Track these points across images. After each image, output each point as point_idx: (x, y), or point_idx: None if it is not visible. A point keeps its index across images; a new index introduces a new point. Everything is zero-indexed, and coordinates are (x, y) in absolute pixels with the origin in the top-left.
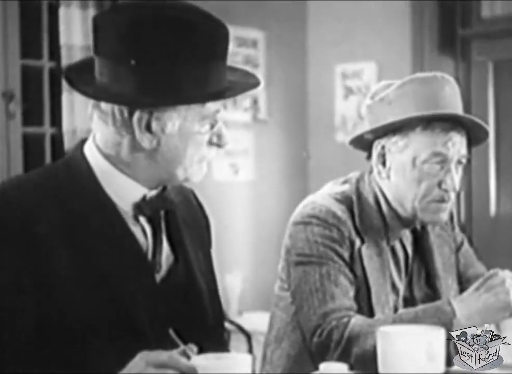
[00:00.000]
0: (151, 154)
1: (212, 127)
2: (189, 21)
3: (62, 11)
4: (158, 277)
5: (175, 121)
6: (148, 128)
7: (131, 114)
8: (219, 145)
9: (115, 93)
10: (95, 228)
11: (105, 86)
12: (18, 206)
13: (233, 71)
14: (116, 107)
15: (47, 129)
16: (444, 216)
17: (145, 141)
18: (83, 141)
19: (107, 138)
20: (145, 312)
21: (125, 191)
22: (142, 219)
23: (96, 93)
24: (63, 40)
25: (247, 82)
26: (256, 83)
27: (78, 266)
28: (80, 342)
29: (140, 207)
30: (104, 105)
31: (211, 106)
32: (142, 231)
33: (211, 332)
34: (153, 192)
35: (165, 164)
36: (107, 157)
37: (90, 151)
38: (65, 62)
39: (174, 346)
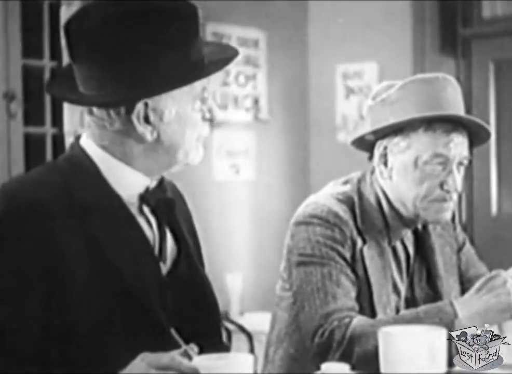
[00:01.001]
0: (152, 144)
1: (202, 103)
2: (157, 8)
3: (63, 11)
4: (164, 269)
5: (171, 107)
6: (147, 120)
7: (128, 112)
8: (211, 120)
9: (110, 96)
10: (105, 223)
11: (96, 91)
12: (33, 205)
13: (208, 45)
14: (112, 110)
15: (48, 129)
16: (447, 215)
17: (147, 133)
18: (77, 138)
19: (105, 139)
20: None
21: (129, 183)
22: (146, 210)
23: (95, 99)
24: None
25: (227, 55)
26: (235, 53)
27: (90, 262)
28: (95, 337)
29: (145, 198)
30: (97, 111)
31: (198, 84)
32: (146, 223)
33: (216, 325)
34: (154, 183)
35: (166, 151)
36: (108, 151)
37: (88, 146)
38: (66, 61)
39: (185, 339)
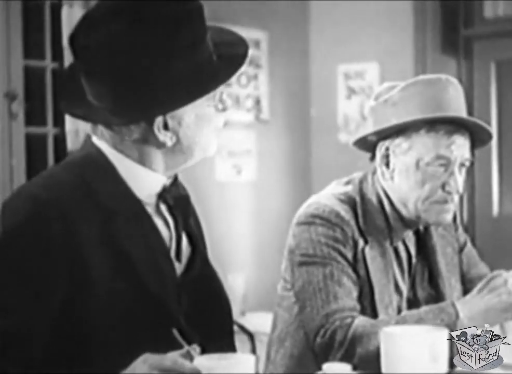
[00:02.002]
0: (170, 147)
1: (214, 97)
2: (166, 14)
3: (64, 11)
4: (179, 269)
5: (190, 112)
6: (166, 127)
7: (148, 124)
8: (224, 109)
9: (131, 114)
10: (124, 224)
11: (111, 104)
12: (56, 206)
13: (212, 31)
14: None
15: (50, 129)
16: (448, 217)
17: (167, 140)
18: (89, 136)
19: (121, 145)
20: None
21: (146, 183)
22: (163, 209)
23: (114, 119)
24: (65, 40)
25: (239, 51)
26: (246, 49)
27: (111, 265)
28: (114, 339)
29: (162, 196)
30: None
31: None
32: (164, 222)
33: (228, 326)
34: (169, 181)
35: (184, 151)
36: (124, 154)
37: (102, 146)
38: (67, 62)
39: (204, 337)
